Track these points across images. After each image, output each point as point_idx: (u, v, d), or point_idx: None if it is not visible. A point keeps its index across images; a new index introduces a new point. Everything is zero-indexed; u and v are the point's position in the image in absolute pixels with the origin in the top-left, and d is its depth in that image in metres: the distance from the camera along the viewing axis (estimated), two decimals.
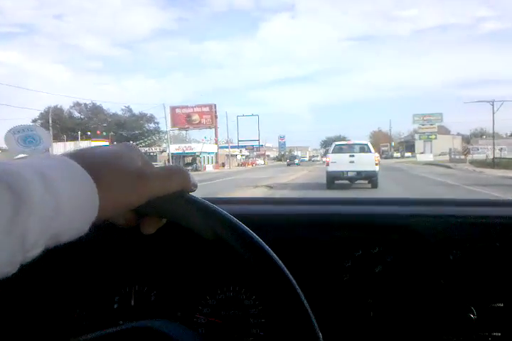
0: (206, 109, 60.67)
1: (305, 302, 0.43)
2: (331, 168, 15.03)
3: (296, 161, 63.19)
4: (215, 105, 61.10)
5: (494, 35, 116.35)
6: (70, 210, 0.37)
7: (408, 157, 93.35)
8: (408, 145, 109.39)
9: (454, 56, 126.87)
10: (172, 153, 51.50)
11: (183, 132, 61.96)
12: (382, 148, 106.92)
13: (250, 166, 74.21)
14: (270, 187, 16.61)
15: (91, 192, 0.40)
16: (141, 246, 0.84)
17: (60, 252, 0.46)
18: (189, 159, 54.46)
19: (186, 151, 54.95)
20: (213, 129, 61.35)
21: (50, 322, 0.83)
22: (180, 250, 0.83)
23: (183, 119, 60.19)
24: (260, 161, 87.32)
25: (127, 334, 0.51)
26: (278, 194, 13.82)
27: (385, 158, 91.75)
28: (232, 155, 78.75)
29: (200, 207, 0.46)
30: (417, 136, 67.20)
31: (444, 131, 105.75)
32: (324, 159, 25.47)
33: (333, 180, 15.35)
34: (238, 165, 77.93)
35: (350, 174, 14.91)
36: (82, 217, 0.39)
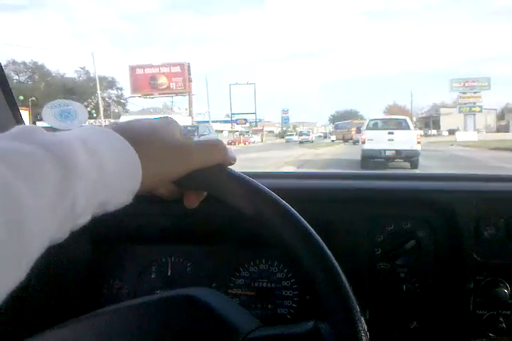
0: (176, 69, 45.57)
1: (343, 276, 0.43)
2: (367, 146, 13.56)
3: (309, 138, 52.00)
4: (188, 64, 45.94)
5: (504, 11, 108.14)
6: (114, 180, 0.39)
7: (434, 135, 78.90)
8: (430, 122, 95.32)
9: (464, 32, 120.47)
10: None
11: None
12: None
13: (242, 145, 60.85)
14: None
15: (134, 162, 0.41)
16: (180, 218, 0.85)
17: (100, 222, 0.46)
18: None
19: None
20: (187, 97, 46.38)
21: (89, 290, 0.86)
22: (217, 223, 0.85)
23: (147, 83, 45.23)
24: (256, 138, 73.32)
25: (170, 302, 0.51)
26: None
27: None
28: (217, 131, 64.80)
29: (242, 182, 0.46)
30: (454, 110, 50.91)
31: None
32: (333, 137, 32.25)
33: (368, 159, 13.77)
34: (228, 143, 64.38)
35: (388, 153, 13.37)
36: (126, 187, 0.41)
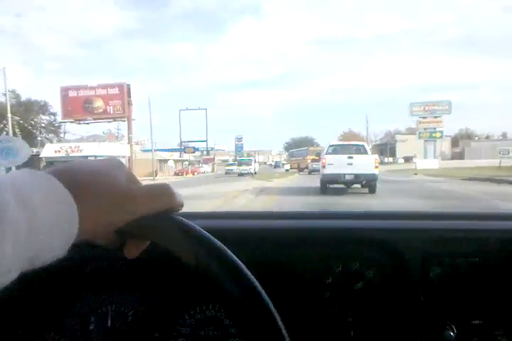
0: (115, 91, 41.13)
1: (281, 325, 0.42)
2: (327, 171, 13.95)
3: (250, 168, 43.38)
4: (128, 86, 41.58)
5: (454, 41, 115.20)
6: (47, 232, 0.36)
7: (390, 163, 77.33)
8: (385, 149, 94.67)
9: (414, 61, 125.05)
10: (47, 158, 32.29)
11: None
12: None
13: (191, 175, 56.50)
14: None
15: (71, 213, 0.38)
16: (120, 266, 0.82)
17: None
18: None
19: (72, 154, 35.88)
20: (127, 122, 41.94)
21: None
22: (159, 269, 0.82)
23: (80, 107, 40.44)
24: (207, 168, 69.12)
25: None
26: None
27: None
28: (161, 161, 60.17)
29: (187, 230, 0.44)
30: (410, 137, 48.07)
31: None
32: (287, 166, 39.57)
33: (327, 183, 14.41)
34: (176, 173, 59.83)
35: (348, 177, 13.80)
36: (60, 240, 0.38)
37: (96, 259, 0.80)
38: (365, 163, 13.66)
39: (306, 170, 42.62)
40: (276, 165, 67.64)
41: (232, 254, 0.43)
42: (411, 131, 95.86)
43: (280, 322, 0.41)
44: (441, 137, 47.05)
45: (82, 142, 40.41)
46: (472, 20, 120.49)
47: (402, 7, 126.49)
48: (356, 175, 13.61)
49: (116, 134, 44.22)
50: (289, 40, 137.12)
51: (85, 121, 41.79)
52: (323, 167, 14.20)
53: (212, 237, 0.44)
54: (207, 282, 0.43)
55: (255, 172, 42.98)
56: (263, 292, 0.42)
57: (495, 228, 0.89)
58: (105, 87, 41.32)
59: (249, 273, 0.43)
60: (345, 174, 13.73)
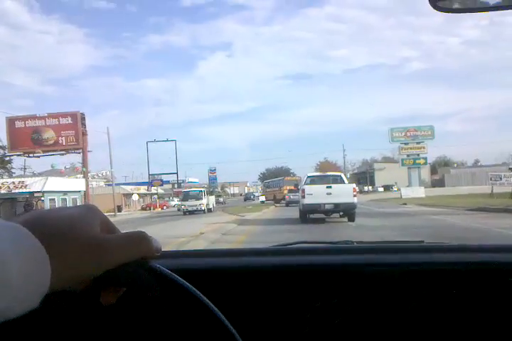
0: (67, 121, 37.09)
1: None
2: (308, 201, 13.97)
3: (201, 203, 32.73)
4: (81, 115, 37.63)
5: (418, 75, 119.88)
6: (19, 284, 0.35)
7: (370, 192, 74.46)
8: (363, 178, 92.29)
9: (382, 93, 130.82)
10: None
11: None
12: None
13: (159, 209, 52.20)
14: None
15: (43, 264, 0.37)
16: (99, 314, 0.77)
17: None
18: (22, 204, 30.66)
19: (16, 191, 31.45)
20: (83, 155, 37.82)
21: None
22: (140, 318, 0.78)
23: (28, 138, 36.18)
24: (176, 202, 64.87)
25: None
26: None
27: None
28: (127, 195, 55.73)
29: (163, 278, 0.45)
30: (387, 165, 44.59)
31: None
32: (262, 198, 37.75)
33: (307, 213, 14.50)
34: (143, 208, 55.37)
35: (327, 206, 13.96)
36: (32, 291, 0.37)
37: (74, 308, 0.72)
38: (344, 192, 13.78)
39: (283, 201, 38.93)
40: (247, 198, 63.89)
41: (212, 305, 0.44)
42: (387, 160, 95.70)
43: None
44: (425, 163, 44.21)
45: (28, 177, 35.91)
46: (436, 54, 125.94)
47: (369, 44, 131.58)
48: (336, 204, 13.77)
49: (76, 166, 39.88)
50: (261, 75, 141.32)
51: (35, 154, 37.34)
52: (303, 197, 14.15)
53: (189, 285, 0.44)
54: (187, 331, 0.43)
55: (207, 210, 32.73)
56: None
57: (473, 260, 0.88)
58: (56, 116, 37.26)
59: (228, 324, 0.44)
60: (325, 204, 13.81)
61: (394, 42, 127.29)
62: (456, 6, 0.79)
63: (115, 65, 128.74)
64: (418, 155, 43.32)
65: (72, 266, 0.39)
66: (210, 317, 0.43)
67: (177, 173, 68.02)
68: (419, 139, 43.90)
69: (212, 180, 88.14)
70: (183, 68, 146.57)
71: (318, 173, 19.45)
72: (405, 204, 27.12)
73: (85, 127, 37.08)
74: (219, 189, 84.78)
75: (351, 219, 14.05)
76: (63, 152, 37.76)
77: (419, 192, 38.16)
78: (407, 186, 42.72)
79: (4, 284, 0.34)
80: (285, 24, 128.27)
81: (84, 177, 36.69)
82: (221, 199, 51.76)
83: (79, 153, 37.33)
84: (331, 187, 14.15)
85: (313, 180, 15.56)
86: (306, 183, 15.26)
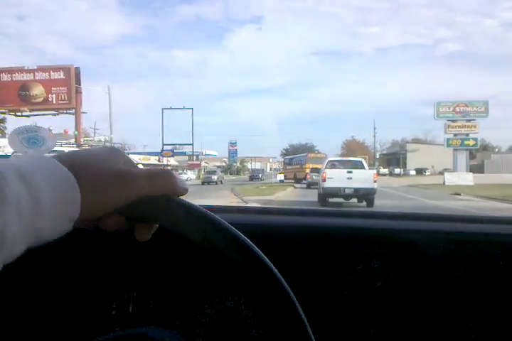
0: (59, 76, 31.96)
1: (301, 312, 0.43)
2: (328, 184, 14.21)
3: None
4: (76, 69, 32.42)
5: (453, 56, 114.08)
6: (51, 207, 0.38)
7: (398, 175, 68.08)
8: (393, 160, 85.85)
9: (415, 74, 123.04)
10: None
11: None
12: None
13: None
14: None
15: (72, 189, 0.40)
16: (140, 252, 0.84)
17: (58, 255, 0.49)
18: None
19: None
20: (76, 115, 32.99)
21: (47, 327, 0.84)
22: (180, 257, 0.84)
23: (14, 94, 31.35)
24: (190, 175, 59.96)
25: None
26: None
27: None
28: None
29: (190, 210, 0.45)
30: (444, 141, 37.20)
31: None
32: (281, 176, 36.79)
33: (327, 197, 14.61)
34: None
35: (347, 191, 14.07)
36: (64, 215, 0.40)
37: (118, 246, 0.81)
38: (364, 178, 14.09)
39: (304, 181, 33.60)
40: (254, 176, 50.80)
41: (236, 230, 0.45)
42: (418, 142, 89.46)
43: (288, 289, 0.42)
44: (475, 145, 36.96)
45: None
46: (472, 36, 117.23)
47: (403, 22, 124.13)
48: (356, 189, 13.98)
49: (65, 130, 35.30)
50: (290, 50, 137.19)
51: (23, 114, 32.49)
52: (324, 180, 14.48)
53: (217, 217, 0.45)
54: (220, 262, 0.44)
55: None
56: (270, 263, 0.43)
57: None
58: (47, 69, 32.17)
59: (254, 246, 0.44)
60: (345, 188, 14.05)
61: (429, 22, 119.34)
62: None
63: (146, 34, 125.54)
64: (467, 135, 36.23)
65: (98, 193, 0.42)
66: (243, 252, 0.44)
67: (192, 144, 62.98)
68: (471, 116, 36.78)
69: (233, 153, 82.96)
70: (213, 41, 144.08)
71: (339, 158, 19.96)
72: (458, 194, 21.32)
73: (80, 84, 31.95)
74: (238, 163, 79.68)
75: (370, 204, 14.06)
76: (55, 112, 32.84)
77: (467, 178, 31.97)
78: (449, 170, 36.66)
79: (36, 205, 0.37)
80: None
81: (76, 142, 31.82)
82: (214, 178, 39.88)
83: (71, 113, 32.35)
84: (351, 172, 14.40)
85: (333, 165, 15.84)
86: (326, 167, 15.54)
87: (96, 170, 0.43)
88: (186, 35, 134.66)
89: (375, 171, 15.25)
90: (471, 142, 36.06)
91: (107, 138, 38.48)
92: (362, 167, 15.31)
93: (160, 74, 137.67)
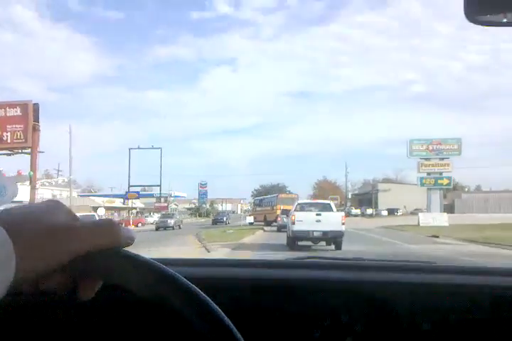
0: (15, 112, 30.29)
1: None
2: (297, 227, 14.35)
3: None
4: (35, 106, 30.83)
5: (419, 97, 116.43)
6: None
7: (371, 215, 67.26)
8: (365, 200, 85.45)
9: (383, 114, 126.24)
10: None
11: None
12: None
13: (132, 227, 45.14)
14: None
15: (7, 250, 0.38)
16: (84, 312, 0.77)
17: None
18: None
19: None
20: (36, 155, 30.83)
21: None
22: (123, 315, 0.77)
23: None
24: (156, 218, 57.48)
25: None
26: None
27: None
28: (95, 208, 48.61)
29: (138, 262, 0.42)
30: (417, 180, 36.60)
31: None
32: (250, 218, 35.52)
33: (296, 240, 14.68)
34: None
35: (316, 234, 14.27)
36: None
37: (50, 308, 0.74)
38: (333, 220, 14.24)
39: (274, 223, 32.05)
40: (218, 220, 45.28)
41: (194, 286, 0.41)
42: (388, 182, 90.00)
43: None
44: (448, 184, 36.39)
45: None
46: (437, 78, 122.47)
47: (372, 65, 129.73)
48: (324, 232, 14.11)
49: (19, 171, 32.93)
50: (262, 91, 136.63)
51: None
52: (293, 223, 14.57)
53: (166, 268, 0.42)
54: (170, 319, 0.41)
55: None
56: (231, 325, 0.39)
57: (485, 283, 0.87)
58: (2, 106, 30.46)
59: (209, 299, 0.40)
60: (313, 231, 14.19)
61: (397, 65, 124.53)
62: (495, 19, 0.72)
63: (120, 75, 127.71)
64: (441, 174, 35.79)
65: (37, 252, 0.40)
66: (198, 304, 0.40)
67: (160, 186, 61.00)
68: (444, 155, 36.44)
69: (202, 195, 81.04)
70: (187, 81, 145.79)
71: (307, 200, 20.40)
72: (436, 236, 20.18)
73: (38, 121, 30.24)
74: (207, 205, 77.72)
75: (338, 247, 14.18)
76: (9, 152, 30.81)
77: (442, 219, 31.11)
78: (420, 210, 35.91)
79: None
80: (290, 41, 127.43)
81: (30, 184, 29.68)
82: (170, 222, 36.32)
83: (27, 152, 30.40)
84: (320, 214, 14.59)
85: (302, 207, 15.98)
86: (296, 210, 15.61)
87: (32, 228, 0.41)
88: (160, 76, 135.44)
89: (343, 213, 15.58)
90: (445, 181, 35.61)
91: (66, 180, 36.35)
92: (330, 209, 15.54)
93: (133, 115, 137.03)
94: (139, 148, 59.68)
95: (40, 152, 30.86)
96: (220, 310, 0.40)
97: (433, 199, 34.94)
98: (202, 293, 0.40)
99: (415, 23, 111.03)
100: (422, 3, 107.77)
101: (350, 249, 13.17)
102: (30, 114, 29.54)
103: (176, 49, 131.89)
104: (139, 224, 47.32)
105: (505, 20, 0.70)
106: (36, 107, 30.19)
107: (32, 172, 29.63)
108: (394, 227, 28.84)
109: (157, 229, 35.75)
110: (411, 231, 24.78)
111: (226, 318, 0.39)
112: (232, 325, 0.39)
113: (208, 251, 13.98)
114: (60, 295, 0.44)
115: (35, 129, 29.74)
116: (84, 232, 0.42)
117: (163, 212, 59.69)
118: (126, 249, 0.44)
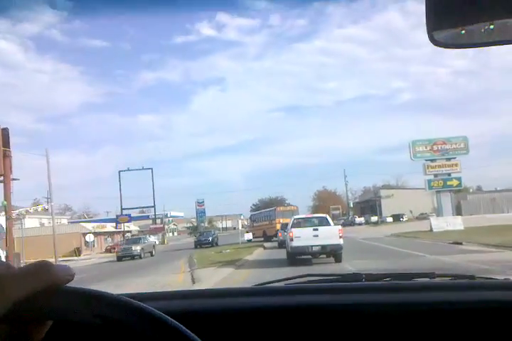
0: None
1: None
2: (296, 243, 14.41)
3: None
4: (5, 131, 28.51)
5: (409, 105, 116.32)
6: None
7: (376, 223, 64.61)
8: (367, 207, 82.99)
9: (375, 123, 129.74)
10: None
11: None
12: (333, 212, 77.91)
13: None
14: None
15: None
16: None
17: None
18: None
19: None
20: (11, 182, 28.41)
21: None
22: None
23: None
24: (152, 239, 54.57)
25: None
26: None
27: (343, 225, 61.91)
28: (85, 234, 45.92)
29: (81, 293, 0.43)
30: (425, 183, 33.67)
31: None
32: (249, 235, 34.19)
33: (295, 255, 14.78)
34: (107, 250, 45.57)
35: (315, 248, 14.39)
36: None
37: None
38: (331, 234, 14.37)
39: (275, 238, 29.56)
40: (202, 242, 36.34)
41: (142, 304, 0.42)
42: (389, 188, 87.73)
43: None
44: (459, 185, 33.74)
45: None
46: (425, 85, 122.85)
47: (359, 76, 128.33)
48: (323, 246, 14.25)
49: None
50: (253, 108, 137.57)
51: None
52: (291, 240, 14.62)
53: (109, 293, 0.43)
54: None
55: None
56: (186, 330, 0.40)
57: (487, 299, 0.86)
58: None
59: (165, 316, 0.41)
60: (312, 246, 14.26)
61: (384, 74, 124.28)
62: (456, 41, 0.74)
63: (109, 101, 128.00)
64: (449, 174, 33.35)
65: None
66: (155, 322, 0.41)
67: (154, 207, 58.49)
68: (450, 154, 34.00)
69: (201, 213, 78.33)
70: (177, 103, 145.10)
71: (303, 215, 20.30)
72: (459, 243, 17.69)
73: (9, 147, 27.87)
74: (206, 223, 74.91)
75: (338, 260, 14.27)
76: None
77: (456, 223, 28.63)
78: (426, 215, 33.40)
79: None
80: (276, 59, 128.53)
81: (6, 214, 27.15)
82: (136, 249, 28.46)
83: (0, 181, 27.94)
84: (317, 229, 14.70)
85: (299, 223, 16.04)
86: (292, 226, 15.67)
87: None
88: (151, 100, 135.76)
89: (340, 227, 15.64)
90: (455, 182, 33.01)
91: (46, 208, 33.93)
92: (327, 223, 15.61)
93: (125, 139, 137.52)
94: (128, 169, 57.37)
95: (14, 179, 28.45)
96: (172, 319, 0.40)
97: (443, 202, 32.42)
98: (150, 307, 0.41)
99: (397, 33, 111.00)
100: (401, 13, 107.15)
101: (369, 267, 10.82)
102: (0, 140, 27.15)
103: (164, 73, 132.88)
104: None
105: (464, 41, 0.71)
106: (6, 132, 27.79)
107: (5, 202, 27.15)
108: (406, 235, 26.32)
109: (119, 259, 28.32)
110: (427, 238, 22.30)
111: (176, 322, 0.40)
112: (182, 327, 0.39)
113: (194, 283, 11.48)
114: None
115: (6, 155, 27.30)
116: (17, 279, 0.41)
117: (161, 233, 56.97)
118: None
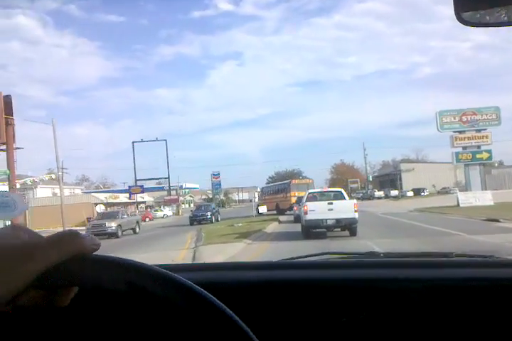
0: None
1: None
2: (310, 217, 14.56)
3: None
4: (7, 97, 27.21)
5: (430, 79, 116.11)
6: None
7: (396, 197, 62.72)
8: (386, 181, 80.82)
9: (394, 98, 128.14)
10: None
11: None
12: (351, 185, 76.04)
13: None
14: None
15: None
16: (63, 323, 0.76)
17: None
18: None
19: None
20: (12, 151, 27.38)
21: None
22: (106, 318, 0.76)
23: None
24: (166, 211, 54.01)
25: None
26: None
27: (362, 198, 60.21)
28: (98, 205, 45.29)
29: (108, 262, 0.44)
30: (452, 156, 31.34)
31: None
32: (262, 208, 33.02)
33: (310, 229, 14.89)
34: None
35: (329, 222, 14.45)
36: None
37: (31, 325, 0.72)
38: (345, 208, 14.31)
39: (289, 211, 28.05)
40: (197, 218, 29.73)
41: (168, 272, 0.42)
42: (409, 161, 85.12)
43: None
44: (489, 158, 31.51)
45: None
46: (446, 59, 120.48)
47: (378, 50, 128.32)
48: (337, 220, 14.23)
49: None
50: (271, 82, 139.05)
51: None
52: (306, 213, 14.67)
53: (136, 261, 0.44)
54: (156, 307, 0.41)
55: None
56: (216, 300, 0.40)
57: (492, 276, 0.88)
58: None
59: (187, 281, 0.41)
60: (327, 219, 14.32)
61: (404, 48, 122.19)
62: (483, 20, 0.76)
63: (128, 75, 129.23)
64: (479, 147, 31.05)
65: (3, 274, 0.41)
66: (181, 287, 0.41)
67: (168, 178, 57.64)
68: (480, 126, 31.47)
69: (216, 185, 77.37)
70: (194, 78, 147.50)
71: (319, 189, 20.50)
72: (496, 220, 15.91)
73: (12, 114, 26.53)
74: (221, 196, 73.91)
75: (353, 233, 14.30)
76: None
77: (486, 198, 26.67)
78: (447, 189, 31.39)
79: None
80: (294, 33, 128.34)
81: (9, 184, 26.10)
82: (111, 225, 22.84)
83: (3, 150, 26.78)
84: (332, 203, 14.72)
85: (314, 197, 16.27)
86: (307, 200, 15.81)
87: None
88: (168, 74, 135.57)
89: (355, 201, 15.72)
90: (485, 155, 30.68)
91: (53, 177, 33.07)
92: (342, 197, 15.63)
93: (144, 113, 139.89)
94: (142, 140, 56.22)
95: (18, 148, 27.29)
96: (202, 289, 0.40)
97: (472, 175, 30.25)
98: (180, 276, 0.41)
99: (417, 7, 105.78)
100: None
101: (395, 247, 9.34)
102: (1, 107, 25.81)
103: (181, 47, 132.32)
104: (146, 219, 43.82)
105: (491, 19, 0.73)
106: (8, 99, 26.37)
107: (9, 171, 26.04)
108: (431, 210, 24.53)
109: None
110: (455, 214, 20.51)
111: (210, 296, 0.39)
112: (217, 301, 0.39)
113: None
114: (38, 312, 0.45)
115: (8, 123, 26.02)
116: (46, 247, 0.44)
117: (175, 204, 56.23)
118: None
